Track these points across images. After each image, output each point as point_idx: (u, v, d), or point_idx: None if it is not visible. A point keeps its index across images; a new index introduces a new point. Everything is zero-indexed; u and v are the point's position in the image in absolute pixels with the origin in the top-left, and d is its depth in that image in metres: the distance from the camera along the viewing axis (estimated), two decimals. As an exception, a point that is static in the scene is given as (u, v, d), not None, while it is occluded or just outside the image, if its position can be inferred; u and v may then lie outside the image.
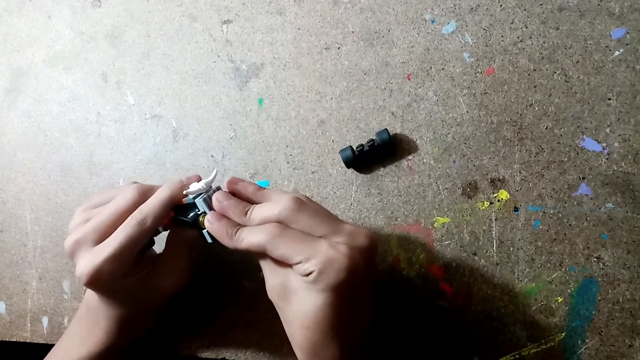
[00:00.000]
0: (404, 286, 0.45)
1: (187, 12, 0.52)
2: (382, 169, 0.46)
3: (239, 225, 0.37)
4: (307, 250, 0.33)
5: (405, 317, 0.44)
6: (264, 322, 0.48)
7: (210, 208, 0.38)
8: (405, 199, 0.45)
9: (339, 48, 0.48)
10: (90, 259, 0.37)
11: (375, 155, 0.45)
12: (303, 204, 0.36)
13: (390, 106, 0.46)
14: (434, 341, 0.44)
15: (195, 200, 0.39)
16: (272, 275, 0.36)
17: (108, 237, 0.38)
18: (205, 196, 0.39)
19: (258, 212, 0.36)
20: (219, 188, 0.40)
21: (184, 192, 0.39)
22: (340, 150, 0.46)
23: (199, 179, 0.41)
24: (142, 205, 0.39)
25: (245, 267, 0.49)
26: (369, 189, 0.46)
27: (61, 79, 0.55)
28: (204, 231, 0.40)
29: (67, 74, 0.55)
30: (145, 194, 0.40)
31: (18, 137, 0.56)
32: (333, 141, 0.47)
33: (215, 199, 0.38)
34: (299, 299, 0.34)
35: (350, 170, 0.47)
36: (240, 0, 0.51)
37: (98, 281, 0.38)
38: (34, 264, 0.54)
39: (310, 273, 0.33)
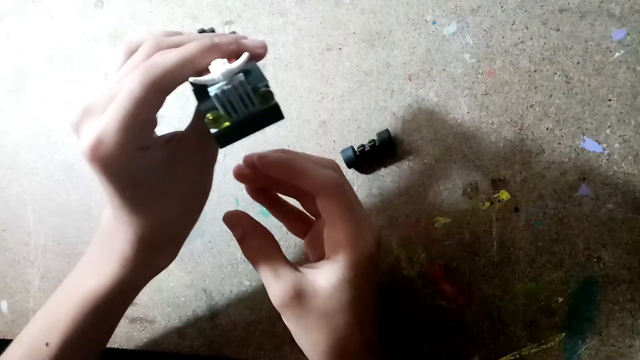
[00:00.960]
0: (405, 286, 0.45)
1: (189, 12, 0.52)
2: (383, 169, 0.46)
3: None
4: (347, 224, 0.33)
5: (406, 316, 0.45)
6: (265, 321, 0.48)
7: (226, 106, 0.28)
8: (406, 199, 0.45)
9: (340, 49, 0.48)
10: (92, 128, 0.29)
11: (377, 155, 0.46)
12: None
13: (392, 107, 0.46)
14: (434, 341, 0.44)
15: (209, 89, 0.28)
16: (282, 278, 0.33)
17: None
18: (221, 89, 0.28)
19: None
20: (244, 78, 0.28)
21: (190, 80, 0.29)
22: (342, 151, 0.46)
23: (236, 48, 0.30)
24: (154, 58, 0.29)
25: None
26: (370, 189, 0.46)
27: (64, 78, 0.55)
28: (212, 132, 0.29)
29: (69, 74, 0.55)
30: (160, 47, 0.30)
31: (21, 137, 0.56)
32: (334, 141, 0.48)
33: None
34: (322, 298, 0.32)
35: (352, 171, 0.47)
36: (242, 1, 0.51)
37: (102, 155, 0.28)
38: (36, 263, 0.55)
39: (340, 254, 0.32)
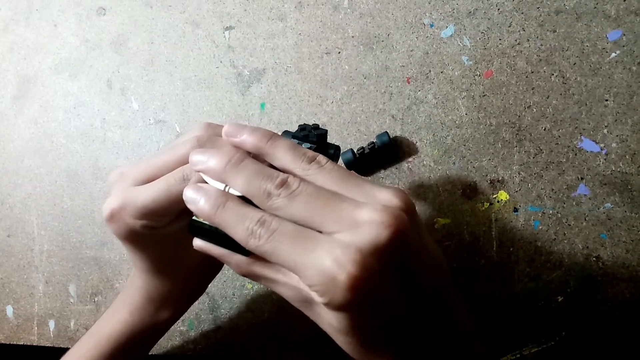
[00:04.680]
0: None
1: (190, 19, 0.53)
2: (382, 171, 0.47)
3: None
4: (301, 260, 0.25)
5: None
6: (267, 324, 0.48)
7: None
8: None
9: (339, 52, 0.49)
10: (120, 195, 0.32)
11: (376, 157, 0.46)
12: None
13: (390, 109, 0.47)
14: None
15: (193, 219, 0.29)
16: (284, 287, 0.29)
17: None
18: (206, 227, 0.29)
19: None
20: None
21: (201, 175, 0.29)
22: (342, 153, 0.46)
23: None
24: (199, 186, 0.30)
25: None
26: (370, 191, 0.47)
27: (67, 86, 0.56)
28: (192, 218, 0.29)
29: (72, 81, 0.56)
30: (208, 142, 0.32)
31: (25, 144, 0.57)
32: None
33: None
34: (323, 310, 0.27)
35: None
36: (242, 6, 0.52)
37: (119, 221, 0.32)
38: (40, 268, 0.55)
39: (315, 290, 0.25)
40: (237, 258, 0.29)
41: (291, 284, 0.28)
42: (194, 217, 0.29)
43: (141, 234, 0.33)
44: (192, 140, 0.32)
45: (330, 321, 0.27)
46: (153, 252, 0.35)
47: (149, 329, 0.40)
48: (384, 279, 0.24)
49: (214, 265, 0.40)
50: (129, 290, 0.40)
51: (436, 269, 0.28)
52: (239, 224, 0.26)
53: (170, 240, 0.35)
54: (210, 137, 0.32)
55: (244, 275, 0.29)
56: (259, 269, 0.29)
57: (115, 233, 0.33)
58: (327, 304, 0.24)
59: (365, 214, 0.25)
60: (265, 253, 0.26)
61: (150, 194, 0.31)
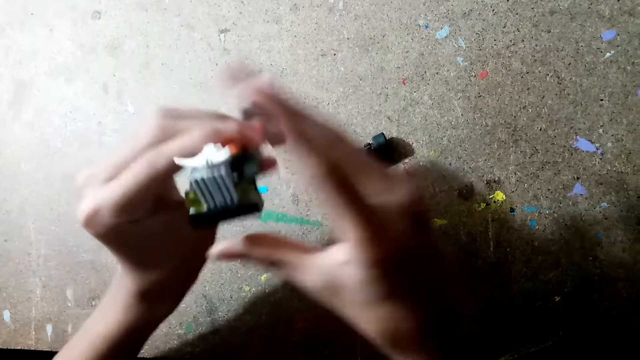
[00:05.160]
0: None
1: (186, 22, 0.53)
2: (379, 172, 0.47)
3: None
4: (351, 221, 0.27)
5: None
6: (265, 326, 0.48)
7: (204, 193, 0.29)
8: (403, 202, 0.46)
9: (334, 54, 0.49)
10: (92, 197, 0.31)
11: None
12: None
13: (386, 110, 0.47)
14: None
15: (189, 175, 0.29)
16: (306, 275, 0.30)
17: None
18: (200, 177, 0.28)
19: None
20: (225, 173, 0.28)
21: (175, 161, 0.29)
22: None
23: (240, 135, 0.30)
24: (162, 147, 0.30)
25: (246, 271, 0.49)
26: (366, 193, 0.47)
27: (63, 90, 0.56)
28: (189, 213, 0.30)
29: (68, 85, 0.56)
30: (167, 132, 0.31)
31: (21, 148, 0.57)
32: (330, 146, 0.48)
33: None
34: (352, 291, 0.29)
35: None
36: (238, 9, 0.52)
37: (96, 224, 0.31)
38: (37, 273, 0.55)
39: (346, 252, 0.28)
40: (259, 252, 0.31)
41: (317, 267, 0.30)
42: (191, 211, 0.29)
43: (121, 231, 0.32)
44: (153, 130, 0.31)
45: (358, 296, 0.29)
46: (137, 248, 0.35)
47: (144, 325, 0.40)
48: (419, 239, 0.28)
49: (203, 251, 0.36)
50: (117, 289, 0.38)
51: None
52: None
53: (152, 232, 0.34)
54: (174, 123, 0.32)
55: (268, 266, 0.31)
56: (285, 255, 0.31)
57: (96, 236, 0.33)
58: (370, 257, 0.27)
59: (400, 182, 0.28)
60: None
61: (119, 189, 0.31)
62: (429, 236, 0.30)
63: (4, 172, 0.57)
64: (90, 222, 0.31)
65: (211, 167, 0.28)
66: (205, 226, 0.30)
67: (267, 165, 0.33)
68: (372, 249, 0.27)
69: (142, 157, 0.31)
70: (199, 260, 0.39)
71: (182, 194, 0.35)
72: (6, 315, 0.56)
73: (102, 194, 0.31)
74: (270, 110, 0.28)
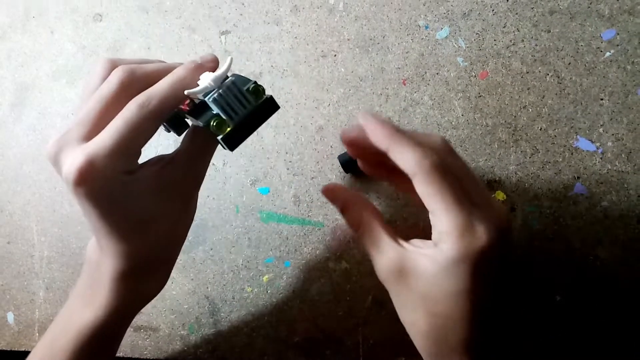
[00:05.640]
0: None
1: (187, 24, 0.53)
2: (380, 173, 0.47)
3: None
4: (451, 209, 0.28)
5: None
6: (267, 327, 0.48)
7: (225, 108, 0.30)
8: (404, 202, 0.46)
9: (335, 55, 0.49)
10: (81, 153, 0.29)
11: None
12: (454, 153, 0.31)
13: (387, 111, 0.47)
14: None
15: (206, 99, 0.30)
16: (383, 252, 0.32)
17: (100, 130, 0.30)
18: (217, 93, 0.30)
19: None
20: (234, 80, 0.30)
21: (185, 93, 0.30)
22: (339, 156, 0.46)
23: (216, 62, 0.33)
24: (148, 89, 0.31)
25: (248, 272, 0.49)
26: (367, 193, 0.47)
27: (65, 92, 0.56)
28: (219, 138, 0.31)
29: (70, 88, 0.56)
30: (135, 74, 0.31)
31: (23, 150, 0.57)
32: (331, 147, 0.48)
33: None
34: (423, 282, 0.30)
35: (349, 175, 0.48)
36: (238, 11, 0.52)
37: (93, 177, 0.29)
38: (41, 275, 0.55)
39: (444, 244, 0.29)
40: (357, 208, 0.34)
41: (394, 249, 0.31)
42: (220, 137, 0.31)
43: (115, 187, 0.30)
44: (121, 79, 0.31)
45: (432, 292, 0.30)
46: (129, 208, 0.32)
47: (134, 306, 0.38)
48: (502, 255, 0.30)
49: (189, 216, 0.37)
50: (98, 272, 0.35)
51: None
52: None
53: (144, 189, 0.32)
54: (132, 69, 0.31)
55: (355, 227, 0.34)
56: (374, 225, 0.33)
57: (90, 194, 0.30)
58: (460, 260, 0.28)
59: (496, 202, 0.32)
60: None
61: (114, 135, 0.29)
62: (509, 251, 0.33)
63: (7, 174, 0.57)
64: (85, 177, 0.29)
65: (219, 83, 0.30)
66: (239, 143, 0.31)
67: None
68: (468, 241, 0.28)
69: (129, 104, 0.30)
70: (186, 223, 0.37)
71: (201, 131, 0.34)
72: (10, 317, 0.56)
73: (94, 146, 0.29)
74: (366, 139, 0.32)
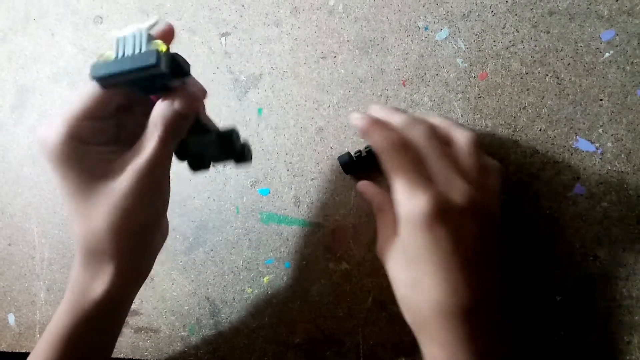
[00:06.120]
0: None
1: (187, 25, 0.53)
2: (380, 174, 0.47)
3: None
4: (404, 183, 0.33)
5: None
6: (268, 328, 0.49)
7: (119, 47, 0.31)
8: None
9: (335, 57, 0.49)
10: (45, 126, 0.33)
11: (373, 161, 0.46)
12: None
13: (387, 112, 0.47)
14: (436, 343, 0.44)
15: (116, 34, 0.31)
16: (383, 228, 0.39)
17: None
18: (124, 35, 0.31)
19: None
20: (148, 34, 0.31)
21: (109, 35, 0.31)
22: (339, 157, 0.46)
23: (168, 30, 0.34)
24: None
25: (248, 273, 0.50)
26: (367, 194, 0.47)
27: (65, 94, 0.56)
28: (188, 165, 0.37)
29: (71, 90, 0.56)
30: None
31: (24, 152, 0.57)
32: (331, 148, 0.48)
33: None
34: (402, 244, 0.35)
35: (349, 176, 0.48)
36: (238, 13, 0.52)
37: (49, 144, 0.32)
38: (41, 276, 0.55)
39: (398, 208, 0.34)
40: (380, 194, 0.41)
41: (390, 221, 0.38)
42: (93, 63, 0.31)
43: (72, 152, 0.32)
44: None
45: (403, 252, 0.35)
46: (88, 173, 0.33)
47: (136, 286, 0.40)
48: (476, 212, 0.34)
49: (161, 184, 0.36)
50: (95, 255, 0.35)
51: None
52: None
53: (103, 155, 0.34)
54: None
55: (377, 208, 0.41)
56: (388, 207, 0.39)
57: (48, 157, 0.33)
58: (416, 204, 0.33)
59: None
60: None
61: (67, 108, 0.33)
62: (495, 199, 0.36)
63: (7, 176, 0.57)
64: (43, 146, 0.32)
65: (136, 30, 0.31)
66: (108, 78, 0.31)
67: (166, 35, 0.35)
68: (409, 208, 0.33)
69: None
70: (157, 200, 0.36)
71: None
72: (11, 318, 0.56)
73: (52, 120, 0.33)
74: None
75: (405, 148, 0.34)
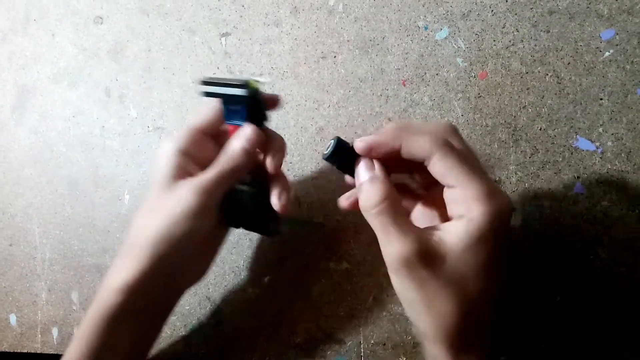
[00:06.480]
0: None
1: (187, 26, 0.53)
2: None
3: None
4: (474, 179, 0.29)
5: (407, 318, 0.45)
6: (269, 328, 0.49)
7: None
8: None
9: (335, 57, 0.49)
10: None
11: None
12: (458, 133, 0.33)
13: (387, 112, 0.47)
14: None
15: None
16: (403, 238, 0.29)
17: None
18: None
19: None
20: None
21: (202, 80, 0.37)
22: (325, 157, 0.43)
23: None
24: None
25: (249, 273, 0.50)
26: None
27: (66, 95, 0.56)
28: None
29: (71, 90, 0.56)
30: None
31: (25, 153, 0.57)
32: (332, 148, 0.48)
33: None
34: (454, 261, 0.28)
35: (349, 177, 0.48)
36: (238, 13, 0.52)
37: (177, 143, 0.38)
38: (43, 276, 0.56)
39: (474, 212, 0.28)
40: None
41: (411, 232, 0.30)
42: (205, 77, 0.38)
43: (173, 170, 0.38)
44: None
45: (462, 269, 0.29)
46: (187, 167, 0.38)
47: (173, 294, 0.42)
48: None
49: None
50: (136, 241, 0.37)
51: None
52: None
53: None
54: None
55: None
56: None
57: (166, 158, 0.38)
58: (488, 228, 0.28)
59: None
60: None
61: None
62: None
63: (8, 176, 0.58)
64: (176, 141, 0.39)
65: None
66: (209, 83, 0.37)
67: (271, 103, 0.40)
68: (497, 202, 0.29)
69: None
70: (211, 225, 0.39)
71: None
72: (12, 319, 0.56)
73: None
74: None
75: (457, 148, 0.31)
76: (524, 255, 0.43)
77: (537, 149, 0.43)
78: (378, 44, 0.48)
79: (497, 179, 0.44)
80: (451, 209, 0.31)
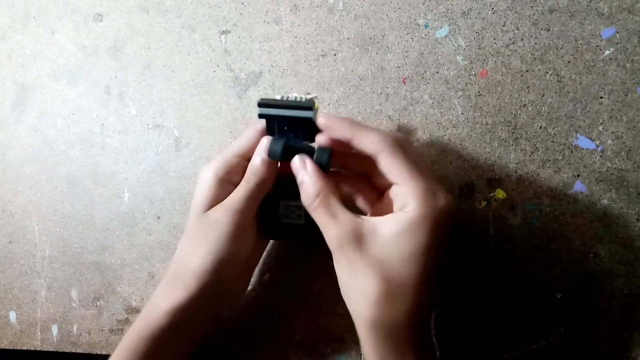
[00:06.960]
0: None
1: (187, 23, 0.53)
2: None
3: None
4: (415, 177, 0.32)
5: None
6: (268, 325, 0.49)
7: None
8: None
9: (335, 55, 0.49)
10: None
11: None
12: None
13: (387, 110, 0.47)
14: (435, 342, 0.44)
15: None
16: (339, 220, 0.33)
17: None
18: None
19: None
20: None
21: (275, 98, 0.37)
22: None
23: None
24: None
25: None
26: (368, 192, 0.47)
27: (65, 92, 0.56)
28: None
29: (71, 88, 0.56)
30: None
31: (24, 151, 0.57)
32: (332, 146, 0.48)
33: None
34: (382, 245, 0.32)
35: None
36: (238, 10, 0.52)
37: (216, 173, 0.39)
38: (42, 274, 0.56)
39: (409, 207, 0.32)
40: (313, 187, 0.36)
41: (349, 218, 0.33)
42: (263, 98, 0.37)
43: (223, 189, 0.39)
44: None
45: (387, 253, 0.32)
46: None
47: (214, 315, 0.45)
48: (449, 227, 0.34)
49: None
50: (181, 271, 0.40)
51: None
52: None
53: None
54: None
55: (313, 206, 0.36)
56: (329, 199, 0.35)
57: (205, 189, 0.39)
58: (422, 219, 0.31)
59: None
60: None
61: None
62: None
63: (8, 174, 0.57)
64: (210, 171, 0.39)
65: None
66: (267, 111, 0.37)
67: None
68: (432, 202, 0.32)
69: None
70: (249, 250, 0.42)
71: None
72: (12, 316, 0.56)
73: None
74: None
75: (406, 149, 0.34)
76: (523, 253, 0.43)
77: (537, 147, 0.43)
78: (378, 42, 0.48)
79: (497, 177, 0.44)
80: (395, 205, 0.34)
